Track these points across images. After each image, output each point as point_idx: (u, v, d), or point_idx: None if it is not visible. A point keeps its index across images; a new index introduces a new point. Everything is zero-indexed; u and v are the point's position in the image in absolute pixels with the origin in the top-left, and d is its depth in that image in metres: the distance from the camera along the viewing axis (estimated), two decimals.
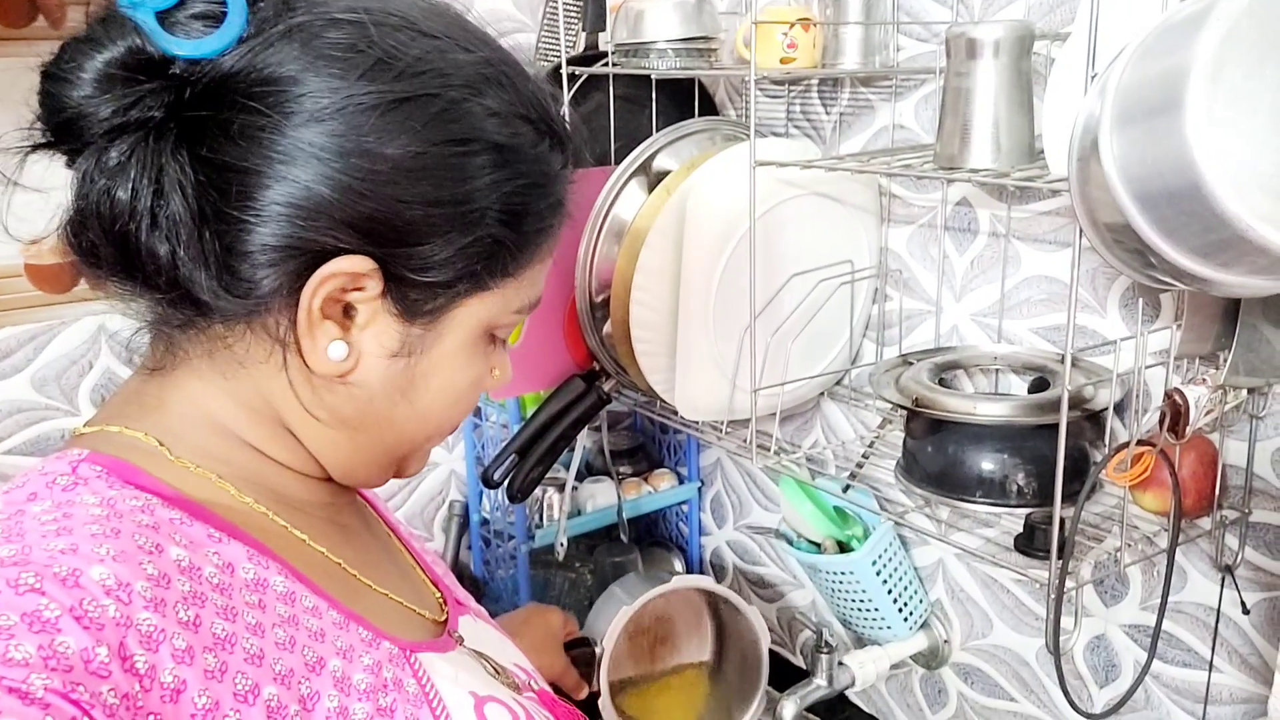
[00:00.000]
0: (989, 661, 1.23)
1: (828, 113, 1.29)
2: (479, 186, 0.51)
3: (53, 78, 0.47)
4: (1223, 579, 0.95)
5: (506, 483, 1.21)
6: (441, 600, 0.66)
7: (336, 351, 0.51)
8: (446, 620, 0.64)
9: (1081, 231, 0.75)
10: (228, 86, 0.47)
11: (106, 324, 1.30)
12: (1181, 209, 0.63)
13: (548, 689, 0.68)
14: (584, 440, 1.62)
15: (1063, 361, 1.04)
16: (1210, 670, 0.99)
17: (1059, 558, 0.80)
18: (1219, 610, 0.97)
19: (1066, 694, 0.83)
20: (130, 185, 0.46)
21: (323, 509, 0.58)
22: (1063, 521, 0.82)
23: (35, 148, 0.48)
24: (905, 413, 1.00)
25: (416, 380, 0.54)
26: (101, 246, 0.48)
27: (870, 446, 1.21)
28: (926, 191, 1.19)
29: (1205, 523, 0.93)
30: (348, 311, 0.51)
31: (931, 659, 1.27)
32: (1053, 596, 0.79)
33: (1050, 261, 1.08)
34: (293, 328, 0.50)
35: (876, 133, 1.24)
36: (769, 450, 1.07)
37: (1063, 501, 0.83)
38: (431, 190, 0.50)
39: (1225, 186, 0.58)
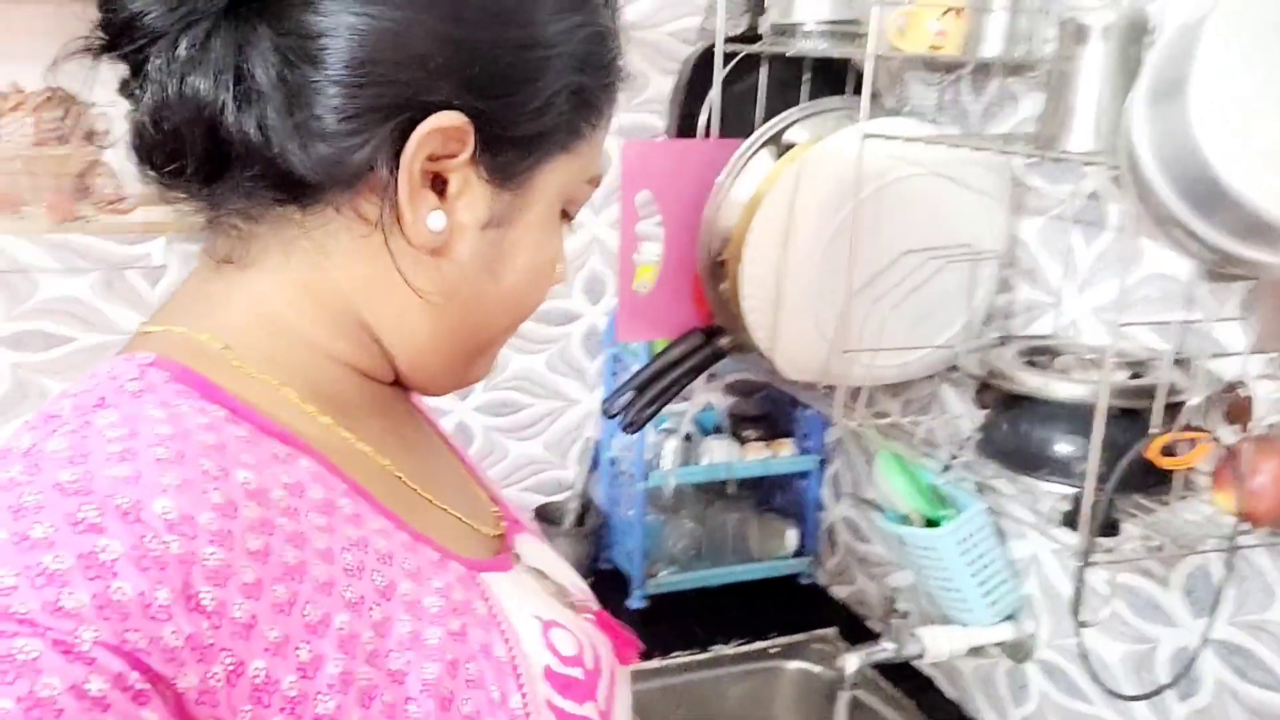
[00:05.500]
0: (1074, 662, 1.22)
1: (976, 101, 1.31)
2: (556, 31, 0.51)
3: None
4: None
5: (621, 415, 1.31)
6: (499, 515, 0.64)
7: (436, 222, 0.50)
8: (504, 535, 0.62)
9: None
10: None
11: None
12: (1207, 189, 0.64)
13: (603, 610, 0.66)
14: (718, 402, 1.71)
15: (1163, 358, 1.03)
16: None
17: (1091, 531, 0.82)
18: None
19: (1088, 666, 0.84)
20: (212, 71, 0.46)
21: (383, 418, 0.57)
22: (1107, 497, 0.83)
23: (100, 51, 0.48)
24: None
25: (504, 254, 0.53)
26: (190, 139, 0.47)
27: (977, 431, 1.22)
28: (1060, 183, 1.19)
29: None
30: (438, 185, 0.50)
31: (1016, 652, 1.26)
32: (1078, 565, 0.81)
33: (1173, 258, 1.06)
34: (393, 199, 0.49)
35: (1020, 121, 1.24)
36: (853, 412, 1.11)
37: (1121, 487, 0.85)
38: (515, 33, 0.49)
39: (1230, 166, 0.59)
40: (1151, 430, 0.85)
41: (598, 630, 0.61)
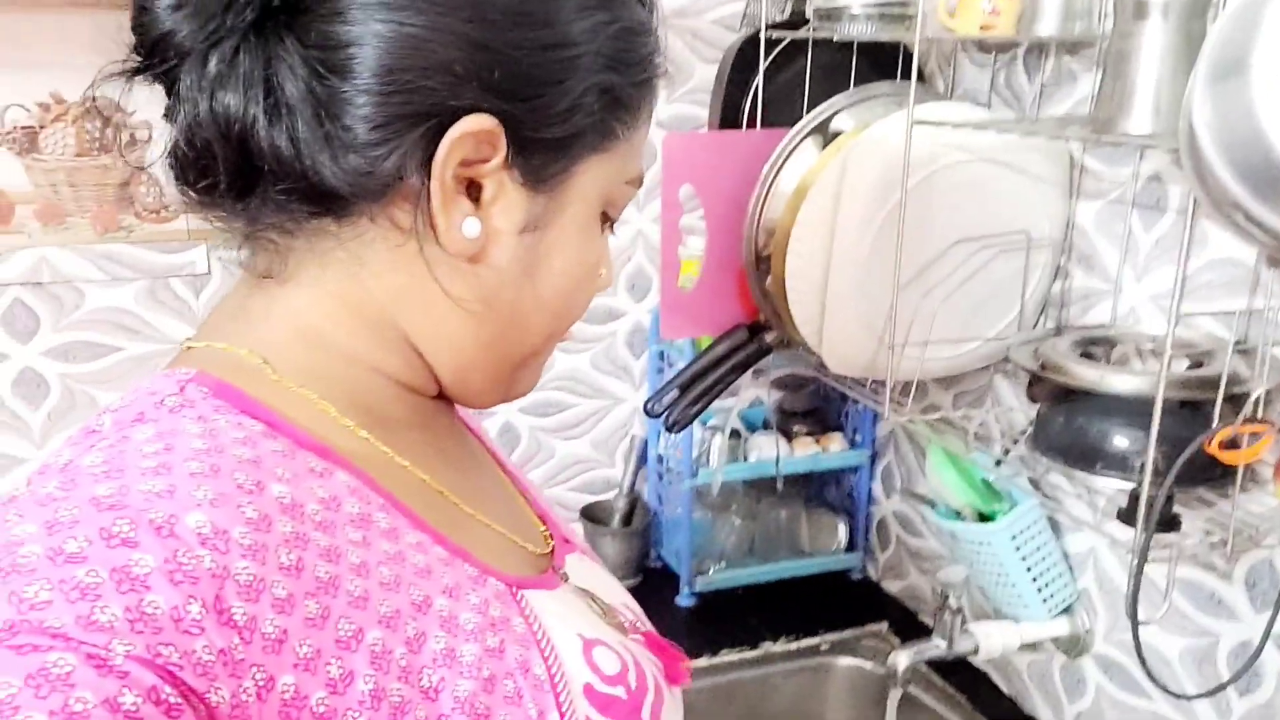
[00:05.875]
0: (1131, 657, 1.18)
1: (1030, 82, 1.27)
2: (582, 30, 0.50)
3: None
4: None
5: (665, 414, 1.30)
6: (547, 534, 0.64)
7: (471, 229, 0.50)
8: (552, 554, 0.62)
9: None
10: None
11: None
12: (1270, 172, 0.61)
13: (653, 630, 0.65)
14: (766, 397, 1.69)
15: (1225, 345, 0.99)
16: None
17: (1149, 527, 0.79)
18: None
19: (1144, 666, 0.81)
20: (241, 86, 0.46)
21: (424, 431, 0.56)
22: (1165, 492, 0.80)
23: (134, 73, 0.48)
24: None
25: (541, 259, 0.53)
26: (221, 155, 0.47)
27: (1032, 424, 1.19)
28: (1119, 165, 1.15)
29: None
30: (472, 191, 0.50)
31: (1072, 647, 1.24)
32: (1134, 561, 0.78)
33: (1236, 243, 1.02)
34: (426, 206, 0.49)
35: (1078, 102, 1.20)
36: (903, 407, 1.09)
37: (1181, 480, 0.82)
38: (538, 34, 0.49)
39: None
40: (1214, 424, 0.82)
41: (647, 651, 0.60)
